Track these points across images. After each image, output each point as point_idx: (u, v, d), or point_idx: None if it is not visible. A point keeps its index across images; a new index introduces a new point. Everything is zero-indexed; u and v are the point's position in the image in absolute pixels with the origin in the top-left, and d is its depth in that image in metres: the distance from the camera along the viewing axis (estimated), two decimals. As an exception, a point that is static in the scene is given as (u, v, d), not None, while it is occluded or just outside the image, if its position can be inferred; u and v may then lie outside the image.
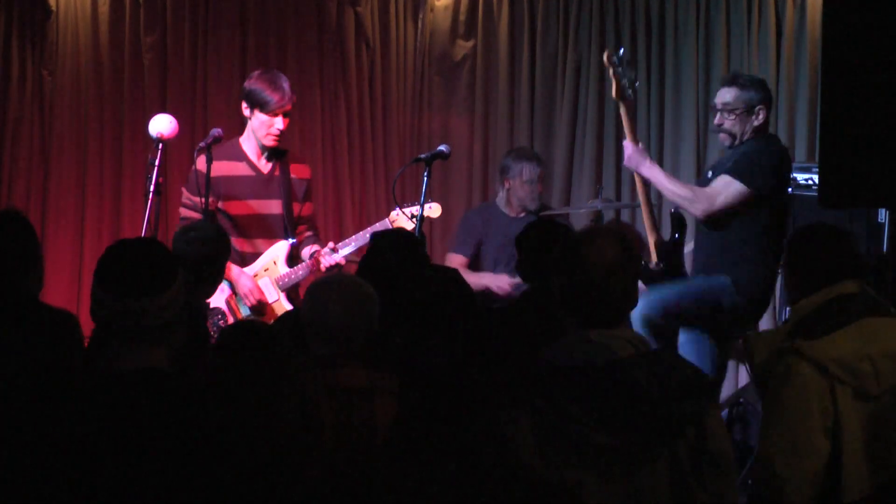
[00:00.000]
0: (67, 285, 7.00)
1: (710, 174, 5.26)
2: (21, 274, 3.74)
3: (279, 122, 5.53)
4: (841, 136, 3.95)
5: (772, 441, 3.28)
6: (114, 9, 7.15)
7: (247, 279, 5.49)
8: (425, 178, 5.27)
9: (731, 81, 5.23)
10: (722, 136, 5.25)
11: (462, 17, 7.24)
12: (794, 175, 6.00)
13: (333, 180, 7.19)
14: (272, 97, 5.50)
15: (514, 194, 6.21)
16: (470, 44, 7.24)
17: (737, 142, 5.19)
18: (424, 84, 7.28)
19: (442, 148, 5.44)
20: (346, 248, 5.53)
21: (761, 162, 5.06)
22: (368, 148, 7.29)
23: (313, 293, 3.51)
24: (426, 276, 3.69)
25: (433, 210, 5.56)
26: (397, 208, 5.60)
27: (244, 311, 5.52)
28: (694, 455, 2.79)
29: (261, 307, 5.51)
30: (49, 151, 7.16)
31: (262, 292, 5.50)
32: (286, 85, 5.57)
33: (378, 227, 5.52)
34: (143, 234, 5.19)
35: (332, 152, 7.23)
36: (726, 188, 5.06)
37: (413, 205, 5.54)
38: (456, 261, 6.29)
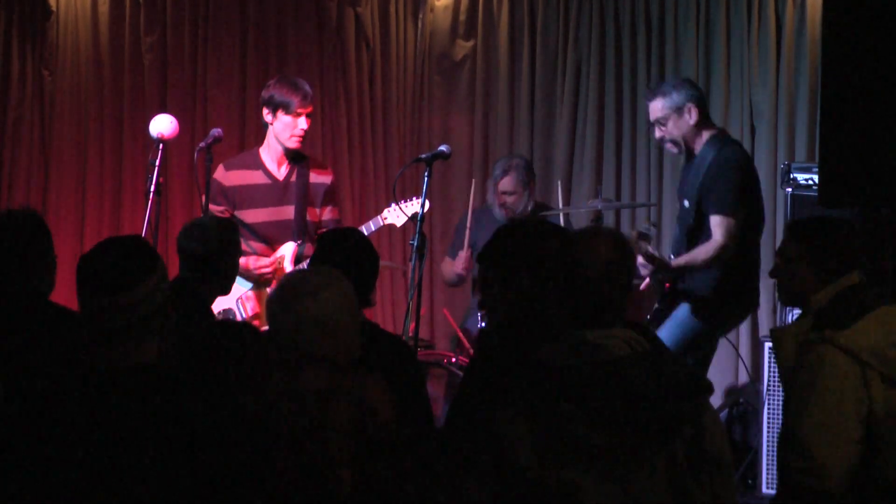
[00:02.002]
0: (67, 285, 6.96)
1: (686, 203, 5.25)
2: (33, 273, 3.78)
3: (302, 122, 5.57)
4: (841, 136, 3.96)
5: (809, 430, 3.31)
6: (114, 9, 7.17)
7: (256, 259, 5.55)
8: (426, 178, 5.27)
9: (653, 94, 5.28)
10: (668, 146, 5.30)
11: (462, 17, 7.24)
12: (794, 175, 6.00)
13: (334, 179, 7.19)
14: (294, 97, 5.54)
15: (490, 196, 6.31)
16: (470, 44, 7.24)
17: (683, 148, 5.23)
18: (424, 84, 7.28)
19: (442, 148, 5.43)
20: None
21: (731, 186, 5.07)
22: (368, 148, 7.30)
23: (272, 298, 3.42)
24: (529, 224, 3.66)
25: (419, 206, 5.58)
26: (392, 205, 5.64)
27: (251, 311, 5.56)
28: (691, 454, 2.79)
29: (266, 280, 5.57)
30: (49, 151, 7.17)
31: (274, 262, 5.54)
32: (306, 86, 5.62)
33: (371, 225, 5.58)
34: (142, 234, 5.20)
35: (332, 152, 7.24)
36: (726, 226, 5.06)
37: (408, 200, 5.59)
38: (451, 265, 6.34)
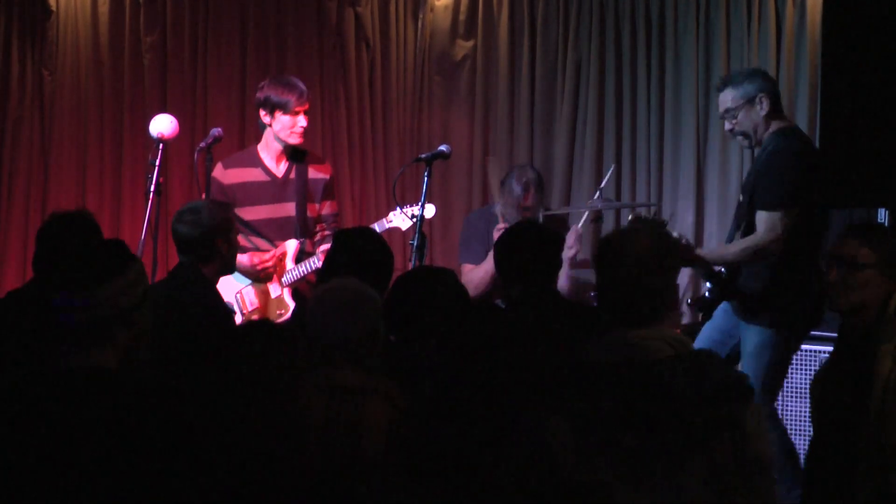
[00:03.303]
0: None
1: (740, 197, 5.08)
2: None
3: (302, 120, 5.60)
4: (841, 137, 3.95)
5: None
6: (114, 8, 7.15)
7: (257, 254, 5.54)
8: (426, 178, 5.26)
9: (724, 84, 5.09)
10: (739, 139, 5.10)
11: (462, 17, 7.22)
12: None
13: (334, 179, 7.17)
14: (290, 97, 5.56)
15: (504, 208, 6.20)
16: (470, 43, 7.23)
17: (755, 141, 5.02)
18: (424, 84, 7.27)
19: (443, 148, 5.42)
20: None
21: (780, 179, 4.82)
22: (368, 148, 7.28)
23: (315, 296, 3.53)
24: (418, 278, 3.70)
25: (427, 210, 5.54)
26: (396, 209, 5.60)
27: (251, 306, 5.55)
28: (732, 458, 2.76)
29: (267, 274, 5.57)
30: (49, 151, 7.16)
31: (274, 256, 5.55)
32: (301, 84, 5.65)
33: (376, 227, 5.53)
34: (143, 235, 5.21)
35: (332, 152, 7.22)
36: (769, 223, 4.82)
37: (411, 205, 5.54)
38: (477, 271, 6.22)
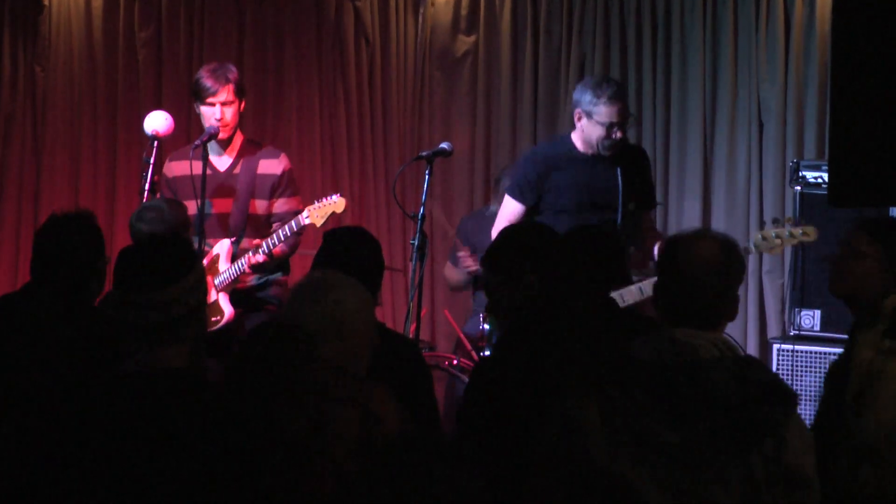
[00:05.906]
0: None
1: (623, 208, 5.38)
2: (84, 276, 3.82)
3: (217, 112, 5.31)
4: (851, 134, 3.89)
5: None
6: (107, 3, 7.16)
7: None
8: (427, 176, 5.19)
9: (625, 93, 5.53)
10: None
11: (463, 12, 7.18)
12: (803, 173, 5.95)
13: (332, 178, 7.15)
14: (205, 83, 5.32)
15: None
16: (471, 39, 7.18)
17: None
18: (425, 80, 7.23)
19: (444, 146, 5.37)
20: (268, 245, 5.23)
21: (524, 174, 5.30)
22: (368, 145, 7.24)
23: (289, 298, 3.39)
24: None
25: (337, 204, 5.14)
26: (314, 203, 5.17)
27: None
28: (770, 468, 2.74)
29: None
30: (42, 148, 7.16)
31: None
32: (229, 74, 5.34)
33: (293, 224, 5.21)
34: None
35: (331, 150, 7.20)
36: (505, 207, 5.35)
37: (328, 198, 5.17)
38: (452, 272, 6.27)
